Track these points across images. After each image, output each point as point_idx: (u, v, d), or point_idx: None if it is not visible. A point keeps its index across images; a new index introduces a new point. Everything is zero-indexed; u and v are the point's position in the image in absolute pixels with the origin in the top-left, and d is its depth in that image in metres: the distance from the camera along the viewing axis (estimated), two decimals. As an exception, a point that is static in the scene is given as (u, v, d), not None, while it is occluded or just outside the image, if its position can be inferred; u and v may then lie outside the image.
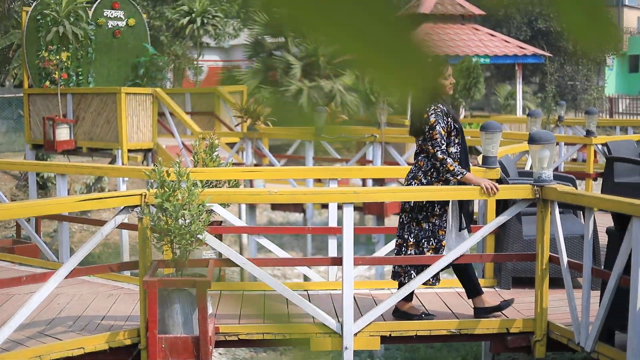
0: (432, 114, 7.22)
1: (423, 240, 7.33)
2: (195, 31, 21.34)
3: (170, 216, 6.62)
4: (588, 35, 1.55)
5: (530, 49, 24.90)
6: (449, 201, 7.29)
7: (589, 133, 14.20)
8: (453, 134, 7.25)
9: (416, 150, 7.42)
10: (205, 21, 21.18)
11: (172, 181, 6.70)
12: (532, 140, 7.08)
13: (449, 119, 7.23)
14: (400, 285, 7.50)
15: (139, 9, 21.20)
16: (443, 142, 7.17)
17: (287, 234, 20.45)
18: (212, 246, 7.14)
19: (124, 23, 20.08)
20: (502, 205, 7.96)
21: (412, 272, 7.40)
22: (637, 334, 6.11)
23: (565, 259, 7.05)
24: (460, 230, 7.37)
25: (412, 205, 7.37)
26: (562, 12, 1.51)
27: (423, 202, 7.32)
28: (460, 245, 7.28)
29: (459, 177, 7.11)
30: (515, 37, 33.63)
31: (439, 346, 14.45)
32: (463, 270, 7.48)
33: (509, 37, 26.22)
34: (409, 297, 7.56)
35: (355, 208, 15.44)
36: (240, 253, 18.23)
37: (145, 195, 6.88)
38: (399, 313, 7.55)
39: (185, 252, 6.81)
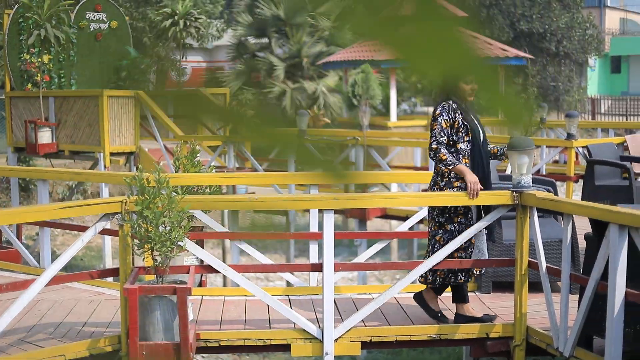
0: (439, 107, 7.36)
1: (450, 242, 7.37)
2: (178, 33, 21.31)
3: (150, 223, 6.63)
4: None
5: (512, 51, 24.95)
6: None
7: (569, 136, 14.26)
8: (462, 130, 7.28)
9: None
10: (188, 23, 21.16)
11: (153, 187, 6.71)
12: (511, 146, 7.12)
13: (457, 114, 7.28)
14: (454, 289, 7.61)
15: (122, 11, 21.17)
16: (442, 134, 7.23)
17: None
18: (192, 253, 7.15)
19: (107, 26, 20.06)
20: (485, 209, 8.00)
21: (460, 274, 7.45)
22: (614, 340, 6.15)
23: (544, 264, 7.10)
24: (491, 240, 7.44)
25: (435, 210, 7.43)
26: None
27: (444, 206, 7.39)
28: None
29: (450, 167, 7.17)
30: (497, 38, 33.72)
31: (421, 348, 14.52)
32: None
33: (491, 40, 26.25)
34: (464, 299, 7.63)
35: (338, 211, 15.50)
36: (223, 257, 18.26)
37: (125, 202, 6.89)
38: (460, 317, 7.61)
39: (166, 258, 6.83)
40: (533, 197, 7.01)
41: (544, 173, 17.40)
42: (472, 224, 7.31)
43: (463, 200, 7.19)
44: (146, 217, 6.64)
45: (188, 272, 7.09)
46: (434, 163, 7.47)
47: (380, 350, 14.39)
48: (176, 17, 21.16)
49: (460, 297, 7.69)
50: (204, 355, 13.02)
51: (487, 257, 7.51)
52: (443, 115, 7.27)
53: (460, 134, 7.29)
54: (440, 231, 7.40)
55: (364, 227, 14.07)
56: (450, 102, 7.34)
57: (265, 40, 30.54)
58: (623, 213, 6.01)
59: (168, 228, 6.65)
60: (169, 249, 6.68)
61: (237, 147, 15.13)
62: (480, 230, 7.38)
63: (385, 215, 13.98)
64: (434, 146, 7.21)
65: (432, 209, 7.50)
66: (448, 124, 7.25)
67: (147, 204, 6.63)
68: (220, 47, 32.12)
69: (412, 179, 11.96)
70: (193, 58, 33.54)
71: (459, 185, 7.28)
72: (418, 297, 7.67)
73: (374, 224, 22.36)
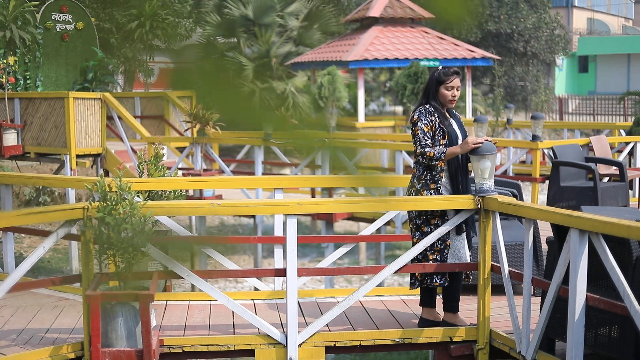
0: (416, 112, 7.43)
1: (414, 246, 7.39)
2: (144, 35, 21.18)
3: (112, 230, 6.60)
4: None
5: (479, 52, 25.05)
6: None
7: (535, 137, 14.34)
8: (438, 133, 7.32)
9: (414, 161, 7.53)
10: (155, 25, 21.04)
11: (115, 193, 6.67)
12: (473, 151, 7.15)
13: (434, 117, 7.32)
14: (423, 292, 7.63)
15: (88, 12, 21.04)
16: (426, 137, 7.27)
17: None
18: (156, 258, 7.12)
19: (73, 27, 19.93)
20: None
21: (435, 277, 7.46)
22: (575, 343, 6.19)
23: (506, 268, 7.13)
24: (458, 234, 7.42)
25: (413, 212, 7.45)
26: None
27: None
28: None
29: (442, 158, 7.22)
30: (465, 39, 33.84)
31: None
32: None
33: (458, 40, 26.35)
34: (432, 304, 7.65)
35: (307, 214, 15.50)
36: (192, 260, 18.19)
37: (87, 209, 6.84)
38: (424, 321, 7.64)
39: (129, 265, 6.80)
40: (495, 201, 7.04)
41: (511, 174, 17.53)
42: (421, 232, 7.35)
43: (426, 205, 7.22)
44: (108, 224, 6.60)
45: (150, 279, 7.06)
46: (413, 165, 7.50)
47: (348, 353, 14.39)
48: (142, 19, 21.02)
49: (427, 301, 7.72)
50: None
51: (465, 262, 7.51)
52: (422, 120, 7.32)
53: (437, 137, 7.32)
54: (417, 233, 7.42)
55: (331, 229, 14.08)
56: (427, 106, 7.39)
57: (233, 40, 30.45)
58: (583, 218, 6.05)
59: (130, 234, 6.61)
60: (131, 255, 6.64)
61: (204, 149, 15.07)
62: (460, 235, 7.40)
63: (352, 217, 13.98)
64: (419, 151, 7.26)
65: (411, 211, 7.52)
66: (428, 127, 7.30)
67: (108, 210, 6.60)
68: (190, 48, 31.98)
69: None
70: (161, 59, 33.38)
71: (435, 187, 7.31)
72: (422, 321, 7.68)
73: (341, 226, 22.39)
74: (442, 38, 25.22)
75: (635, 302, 5.74)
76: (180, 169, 16.17)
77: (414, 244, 7.42)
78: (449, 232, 7.31)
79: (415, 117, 7.39)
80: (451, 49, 24.49)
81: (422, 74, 19.95)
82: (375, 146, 15.33)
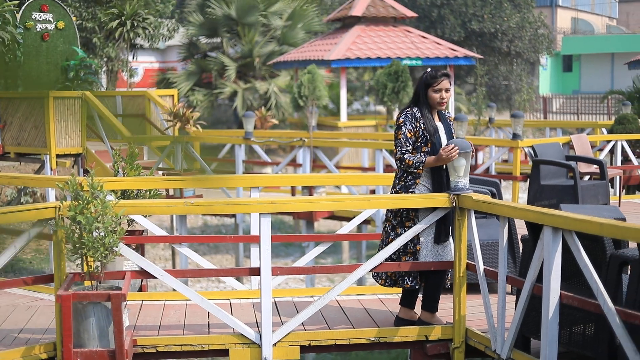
0: (402, 115, 7.37)
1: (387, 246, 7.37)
2: (125, 34, 21.10)
3: (83, 229, 6.54)
4: None
5: (461, 51, 25.05)
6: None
7: (515, 136, 14.33)
8: (421, 140, 7.28)
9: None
10: (136, 24, 20.96)
11: (87, 192, 6.61)
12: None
13: (420, 123, 7.28)
14: (404, 291, 7.61)
15: (68, 11, 20.93)
16: (408, 143, 7.23)
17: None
18: (128, 257, 7.07)
19: (53, 26, 19.81)
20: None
21: (407, 279, 7.44)
22: (549, 341, 6.17)
23: (481, 266, 7.11)
24: (437, 243, 7.38)
25: (390, 212, 7.43)
26: None
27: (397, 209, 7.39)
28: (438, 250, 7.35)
29: (421, 167, 7.19)
30: (449, 38, 33.84)
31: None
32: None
33: (440, 39, 26.34)
34: (410, 304, 7.62)
35: (287, 212, 15.46)
36: (173, 260, 18.14)
37: (59, 208, 6.78)
38: (400, 321, 7.61)
39: (101, 264, 6.74)
40: (470, 199, 7.02)
41: (494, 172, 17.53)
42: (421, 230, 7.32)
43: (402, 203, 7.18)
44: (79, 223, 6.54)
45: (123, 278, 7.00)
46: (396, 166, 7.48)
47: (330, 352, 14.34)
48: (123, 18, 20.94)
49: (407, 301, 7.68)
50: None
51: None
52: (407, 124, 7.27)
53: (419, 144, 7.27)
54: (393, 233, 7.39)
55: (312, 228, 14.03)
56: (414, 110, 7.34)
57: (217, 40, 30.39)
58: (556, 216, 6.02)
59: (102, 234, 6.56)
60: (103, 254, 6.59)
61: (184, 148, 15.00)
62: (440, 235, 7.36)
63: (333, 216, 13.95)
64: (398, 156, 7.23)
65: (388, 210, 7.48)
66: (412, 133, 7.24)
67: (80, 209, 6.54)
68: (173, 48, 31.90)
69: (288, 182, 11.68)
70: (145, 58, 33.32)
71: (412, 190, 7.27)
72: (398, 321, 7.65)
73: (321, 225, 22.34)
74: (424, 37, 25.21)
75: (609, 300, 5.71)
76: (160, 168, 16.08)
77: (383, 243, 7.39)
78: (419, 236, 7.27)
79: (401, 120, 7.33)
80: (433, 48, 24.48)
81: (403, 73, 19.93)
82: (355, 145, 15.30)
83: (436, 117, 7.46)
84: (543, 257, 6.21)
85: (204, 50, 30.67)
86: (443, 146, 7.13)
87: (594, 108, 41.64)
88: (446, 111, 7.60)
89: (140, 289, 8.96)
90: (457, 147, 7.05)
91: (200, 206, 7.20)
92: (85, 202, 6.55)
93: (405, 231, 7.29)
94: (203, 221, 24.49)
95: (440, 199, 7.14)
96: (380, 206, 7.34)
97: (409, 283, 7.42)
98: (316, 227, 19.97)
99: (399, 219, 7.34)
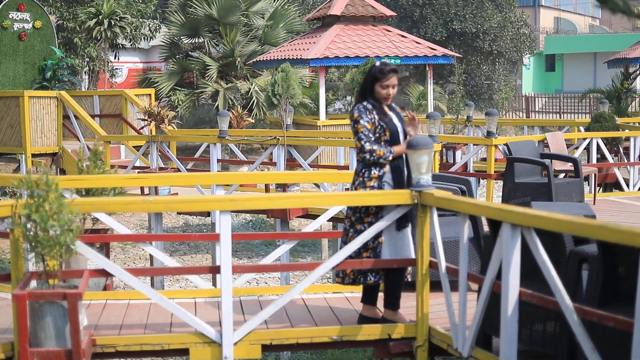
0: (355, 110, 7.34)
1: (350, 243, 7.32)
2: (103, 33, 21.00)
3: (39, 227, 6.45)
4: None
5: (440, 50, 25.00)
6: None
7: (489, 134, 14.29)
8: (379, 130, 7.27)
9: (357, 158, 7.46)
10: (113, 23, 20.86)
11: (42, 190, 6.53)
12: (410, 145, 7.06)
13: (374, 114, 7.26)
14: (365, 289, 7.56)
15: (47, 10, 20.86)
16: (371, 134, 7.20)
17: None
18: (86, 256, 6.98)
19: (30, 25, 19.75)
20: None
21: (369, 275, 7.39)
22: (509, 339, 6.11)
23: (443, 264, 7.05)
24: (398, 230, 7.31)
25: (350, 208, 7.40)
26: None
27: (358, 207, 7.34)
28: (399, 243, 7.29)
29: (390, 158, 7.17)
30: (431, 38, 33.83)
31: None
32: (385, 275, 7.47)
33: (419, 39, 26.31)
34: (373, 302, 7.56)
35: (260, 211, 15.39)
36: (151, 259, 18.03)
37: (15, 206, 6.69)
38: (363, 319, 7.56)
39: (59, 263, 6.66)
40: (431, 196, 6.96)
41: (471, 171, 17.51)
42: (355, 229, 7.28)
43: (363, 200, 7.13)
44: (35, 221, 6.46)
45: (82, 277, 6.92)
46: (355, 162, 7.44)
47: (305, 351, 14.29)
48: (100, 17, 20.85)
49: (368, 298, 7.63)
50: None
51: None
52: (363, 117, 7.24)
53: (378, 134, 7.24)
54: (352, 230, 7.35)
55: (286, 227, 13.95)
56: (365, 104, 7.31)
57: (198, 39, 30.27)
58: (514, 212, 5.97)
59: (58, 231, 6.47)
60: (59, 252, 6.50)
61: (159, 147, 14.92)
62: (402, 231, 7.31)
63: (307, 214, 13.88)
64: (367, 147, 7.17)
65: (348, 207, 7.44)
66: (370, 124, 7.21)
67: (35, 207, 6.45)
68: (157, 48, 31.78)
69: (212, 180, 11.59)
70: (129, 59, 33.20)
71: (371, 185, 7.23)
72: (361, 319, 7.60)
73: (295, 224, 22.29)
74: (403, 36, 25.16)
75: (566, 297, 5.66)
76: (136, 167, 16.01)
77: (345, 239, 7.35)
78: (381, 230, 7.22)
79: (356, 114, 7.29)
80: (412, 47, 24.42)
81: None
82: (329, 143, 15.25)
83: (385, 108, 7.43)
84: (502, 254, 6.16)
85: (186, 50, 30.56)
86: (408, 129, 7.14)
87: (576, 107, 41.72)
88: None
89: (105, 288, 8.88)
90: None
91: (159, 204, 7.13)
92: (41, 199, 6.47)
93: (364, 227, 7.24)
94: (184, 221, 24.42)
95: (403, 196, 7.09)
96: (341, 203, 7.29)
97: (372, 279, 7.38)
98: (292, 226, 19.94)
99: (358, 215, 7.30)
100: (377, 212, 7.26)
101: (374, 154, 7.15)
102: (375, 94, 7.34)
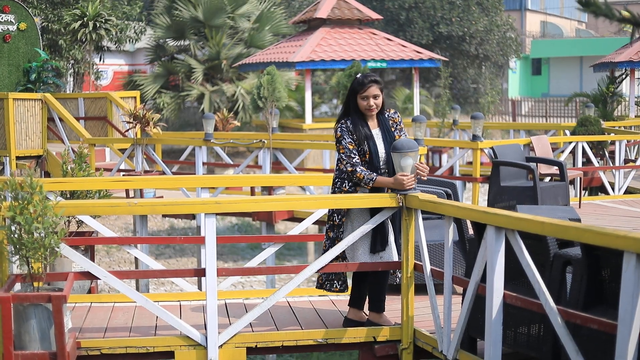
0: (338, 129, 7.26)
1: (328, 247, 7.38)
2: (87, 35, 20.93)
3: (23, 230, 6.44)
4: None
5: (426, 53, 25.06)
6: (349, 211, 7.27)
7: (475, 137, 14.32)
8: (359, 152, 7.21)
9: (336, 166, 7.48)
10: (98, 25, 20.79)
11: (27, 192, 6.51)
12: (394, 148, 7.07)
13: (354, 135, 7.18)
14: (353, 292, 7.59)
15: (32, 12, 20.79)
16: (352, 154, 7.13)
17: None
18: (70, 258, 6.97)
19: (15, 27, 19.67)
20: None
21: (335, 281, 7.43)
22: (493, 342, 6.12)
23: (428, 266, 7.06)
24: (372, 252, 7.31)
25: (327, 216, 7.43)
26: None
27: (328, 212, 7.37)
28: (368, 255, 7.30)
29: (370, 184, 7.10)
30: (417, 41, 33.86)
31: (332, 351, 14.43)
32: (362, 277, 7.46)
33: (405, 42, 26.34)
34: (359, 305, 7.56)
35: (246, 215, 15.37)
36: (136, 263, 17.97)
37: (-1, 208, 6.67)
38: (348, 322, 7.57)
39: (43, 265, 6.64)
40: (416, 199, 6.97)
41: (457, 174, 17.55)
42: (341, 238, 7.29)
43: (348, 203, 7.14)
44: (19, 224, 6.44)
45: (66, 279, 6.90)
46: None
47: (291, 354, 14.28)
48: (85, 19, 20.78)
49: (355, 301, 7.64)
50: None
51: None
52: (345, 138, 7.18)
53: (359, 155, 7.20)
54: (326, 236, 7.39)
55: (272, 230, 13.95)
56: (348, 123, 7.24)
57: (184, 42, 30.25)
58: (499, 215, 5.99)
59: (42, 234, 6.46)
60: (43, 255, 6.48)
61: (144, 149, 14.88)
62: (376, 245, 7.30)
63: (293, 218, 13.88)
64: (348, 169, 7.13)
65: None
66: (353, 145, 7.16)
67: (20, 209, 6.43)
68: (143, 50, 31.74)
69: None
70: (115, 61, 33.14)
71: (346, 189, 7.24)
72: (346, 322, 7.61)
73: (280, 227, 22.28)
74: (389, 39, 25.20)
75: (550, 299, 5.68)
76: (121, 170, 15.97)
77: (324, 249, 7.38)
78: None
79: (339, 134, 7.23)
80: (398, 50, 24.47)
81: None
82: (315, 146, 15.26)
83: (374, 123, 7.35)
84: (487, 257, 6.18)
85: (171, 52, 30.53)
86: (401, 173, 7.04)
87: (563, 111, 41.84)
88: (390, 112, 7.47)
89: (90, 291, 8.85)
90: (413, 180, 7.00)
91: (144, 206, 7.11)
92: (25, 202, 6.45)
93: (334, 235, 7.30)
94: (170, 224, 24.39)
95: (388, 199, 7.10)
96: (326, 206, 7.28)
97: (337, 287, 7.46)
98: (278, 229, 19.92)
99: (330, 223, 7.35)
100: (339, 225, 7.31)
101: (354, 176, 7.13)
102: (358, 106, 7.29)
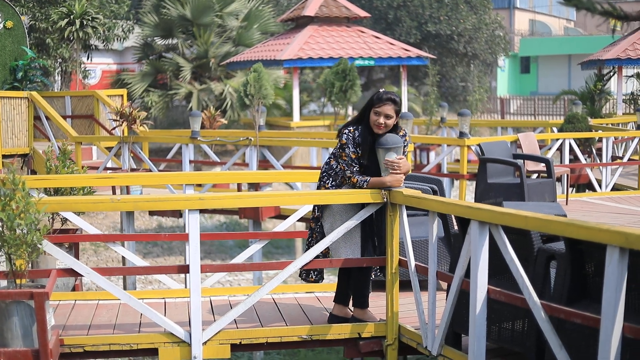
0: (344, 135, 7.22)
1: (312, 242, 7.42)
2: (74, 33, 20.87)
3: (5, 226, 6.40)
4: None
5: (414, 51, 25.05)
6: (332, 206, 7.27)
7: (462, 134, 14.30)
8: (357, 163, 7.19)
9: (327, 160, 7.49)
10: (85, 23, 20.73)
11: (9, 189, 6.47)
12: (379, 144, 7.06)
13: (358, 149, 7.15)
14: (338, 288, 7.60)
15: (18, 11, 20.70)
16: (354, 164, 7.12)
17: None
18: (53, 255, 6.92)
19: (1, 26, 19.59)
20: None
21: (311, 272, 7.49)
22: (477, 337, 6.11)
23: (412, 262, 7.05)
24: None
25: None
26: None
27: (312, 205, 7.45)
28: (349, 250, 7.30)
29: (364, 187, 7.10)
30: (405, 40, 33.84)
31: (319, 348, 14.39)
32: (347, 273, 7.45)
33: (393, 40, 26.33)
34: (344, 301, 7.56)
35: (232, 212, 15.33)
36: (123, 260, 17.90)
37: (-19, 205, 6.62)
38: (333, 318, 7.57)
39: (28, 262, 6.60)
40: (400, 194, 6.96)
41: (445, 171, 17.55)
42: (320, 232, 7.34)
43: (332, 199, 7.12)
44: (1, 220, 6.40)
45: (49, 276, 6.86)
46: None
47: (278, 351, 14.26)
48: (72, 17, 20.71)
49: (340, 298, 7.62)
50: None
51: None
52: (350, 147, 7.15)
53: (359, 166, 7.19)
54: (309, 232, 7.40)
55: (259, 228, 13.92)
56: (356, 133, 7.18)
57: (172, 40, 30.16)
58: (482, 209, 5.97)
59: (25, 230, 6.41)
60: (25, 252, 6.44)
61: (130, 147, 14.82)
62: (365, 232, 7.30)
63: (280, 215, 13.85)
64: (348, 174, 7.15)
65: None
66: (355, 155, 7.13)
67: (1, 205, 6.39)
68: (131, 49, 31.64)
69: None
70: (103, 60, 33.04)
71: (329, 185, 7.23)
72: (331, 318, 7.60)
73: (267, 225, 22.24)
74: (377, 37, 25.18)
75: (534, 294, 5.66)
76: (108, 168, 15.92)
77: (307, 244, 7.40)
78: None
79: (344, 140, 7.19)
80: (386, 48, 24.46)
81: (351, 72, 19.83)
82: (301, 144, 15.22)
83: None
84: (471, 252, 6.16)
85: (159, 51, 30.44)
86: (392, 170, 7.05)
87: (551, 109, 41.88)
88: (400, 134, 7.29)
89: (74, 289, 8.81)
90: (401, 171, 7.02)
91: (127, 202, 7.08)
92: (7, 198, 6.41)
93: (314, 228, 7.37)
94: (157, 223, 24.32)
95: (372, 195, 7.08)
96: (311, 202, 7.26)
97: (313, 277, 7.52)
98: (266, 227, 19.89)
99: (313, 215, 7.44)
100: (317, 217, 7.37)
101: (350, 180, 7.15)
102: (369, 120, 7.24)
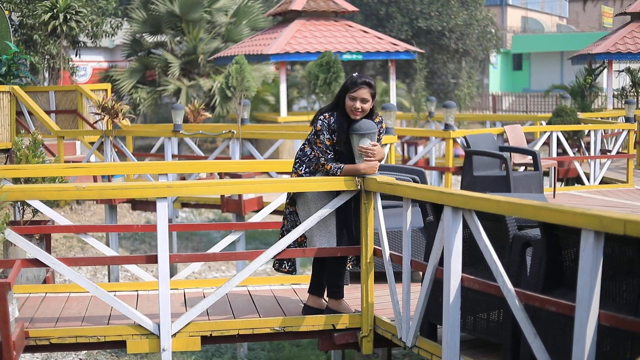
0: (318, 121, 7.03)
1: (285, 232, 7.28)
2: (59, 27, 20.65)
3: (-34, 214, 6.22)
4: None
5: (402, 45, 24.86)
6: (305, 194, 7.10)
7: (447, 127, 14.13)
8: (331, 150, 7.01)
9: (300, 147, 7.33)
10: (69, 17, 20.51)
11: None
12: (353, 129, 6.88)
13: (333, 135, 6.96)
14: (313, 279, 7.47)
15: (3, 6, 20.49)
16: (329, 151, 6.94)
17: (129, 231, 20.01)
18: (17, 245, 6.73)
19: (-16, 20, 19.39)
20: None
21: (285, 262, 7.38)
22: (450, 327, 5.92)
23: (387, 251, 6.86)
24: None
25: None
26: None
27: (288, 194, 7.29)
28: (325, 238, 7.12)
29: (338, 174, 6.92)
30: (396, 36, 33.65)
31: (305, 343, 14.23)
32: (322, 263, 7.28)
33: (381, 34, 26.13)
34: (319, 292, 7.40)
35: (215, 206, 15.15)
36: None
37: (-58, 193, 6.43)
38: (307, 309, 7.41)
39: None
40: (374, 181, 6.78)
41: (434, 164, 17.41)
42: (295, 221, 7.23)
43: (305, 186, 6.94)
44: (-38, 208, 6.22)
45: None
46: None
47: (263, 347, 14.09)
48: (55, 11, 20.51)
49: (315, 288, 7.44)
50: (35, 354, 12.45)
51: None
52: (324, 134, 6.96)
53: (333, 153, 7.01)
54: (282, 220, 7.26)
55: (242, 221, 13.73)
56: (332, 119, 6.99)
57: (161, 37, 29.96)
58: (455, 195, 5.79)
59: (-15, 219, 6.24)
60: (-14, 241, 6.27)
61: (113, 141, 14.62)
62: (340, 221, 7.13)
63: (262, 208, 13.65)
64: (322, 161, 6.98)
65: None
66: (330, 142, 6.95)
67: (-39, 193, 6.21)
68: (122, 46, 31.43)
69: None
70: (94, 57, 32.86)
71: (302, 172, 7.06)
72: (305, 309, 7.43)
73: (250, 218, 22.08)
74: (365, 31, 24.99)
75: (508, 281, 5.48)
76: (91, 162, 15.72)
77: (281, 233, 7.25)
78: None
79: (318, 127, 6.99)
80: (374, 42, 24.27)
81: (335, 64, 19.62)
82: (284, 136, 15.04)
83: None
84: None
85: (148, 47, 30.23)
86: (366, 157, 6.89)
87: (543, 106, 41.72)
88: (377, 120, 7.11)
89: (45, 281, 8.61)
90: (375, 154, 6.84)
91: (93, 191, 6.88)
92: (-33, 186, 6.23)
93: (291, 216, 7.23)
94: (146, 219, 24.12)
95: (346, 182, 6.90)
96: (282, 189, 7.10)
97: (286, 267, 7.37)
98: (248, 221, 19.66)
99: (285, 202, 7.31)
100: (290, 203, 7.25)
101: (324, 168, 6.97)
102: (345, 105, 7.05)
